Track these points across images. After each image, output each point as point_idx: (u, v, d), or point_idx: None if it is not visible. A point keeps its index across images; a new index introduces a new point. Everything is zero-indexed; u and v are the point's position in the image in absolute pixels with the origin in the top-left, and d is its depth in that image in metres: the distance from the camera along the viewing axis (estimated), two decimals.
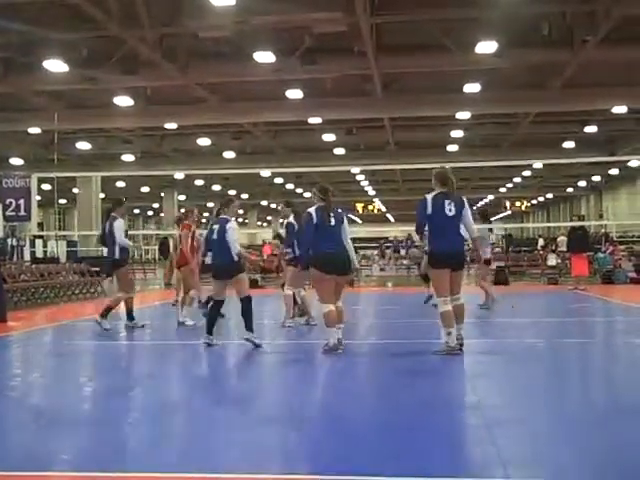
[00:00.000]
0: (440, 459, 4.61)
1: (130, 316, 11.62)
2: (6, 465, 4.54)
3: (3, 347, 10.75)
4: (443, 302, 8.20)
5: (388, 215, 66.39)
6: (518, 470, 4.34)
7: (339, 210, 9.23)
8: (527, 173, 40.43)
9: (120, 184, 43.02)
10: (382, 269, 33.10)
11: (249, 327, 9.19)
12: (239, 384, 7.60)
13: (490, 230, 17.02)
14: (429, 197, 8.53)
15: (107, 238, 11.29)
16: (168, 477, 4.37)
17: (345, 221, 9.04)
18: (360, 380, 7.63)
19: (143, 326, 11.71)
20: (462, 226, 8.53)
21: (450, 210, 8.40)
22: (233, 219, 9.68)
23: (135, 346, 10.78)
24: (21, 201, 15.86)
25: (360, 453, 4.73)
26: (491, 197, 54.31)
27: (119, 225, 11.25)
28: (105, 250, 11.99)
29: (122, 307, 11.91)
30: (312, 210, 8.83)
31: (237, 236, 9.43)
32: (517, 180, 44.08)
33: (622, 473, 4.27)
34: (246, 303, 9.27)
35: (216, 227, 9.50)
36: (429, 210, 8.39)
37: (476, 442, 4.98)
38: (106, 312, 11.19)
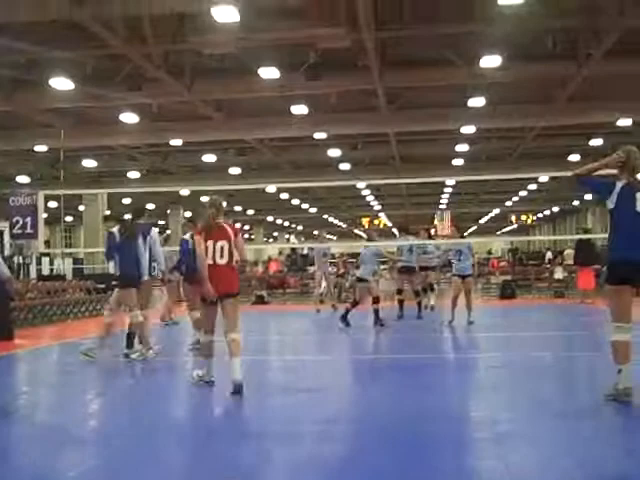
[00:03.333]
0: (447, 473, 4.57)
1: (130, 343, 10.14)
2: None
3: (10, 364, 10.74)
4: (618, 329, 6.34)
5: (394, 230, 66.33)
6: None
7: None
8: (533, 186, 40.34)
9: (126, 201, 43.09)
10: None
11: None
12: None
13: None
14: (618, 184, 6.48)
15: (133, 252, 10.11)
16: None
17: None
18: (367, 394, 7.59)
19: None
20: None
21: None
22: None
23: (139, 363, 10.74)
24: (28, 219, 15.85)
25: (366, 466, 4.69)
26: (497, 211, 54.24)
27: (156, 236, 10.57)
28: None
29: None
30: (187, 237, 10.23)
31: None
32: (523, 194, 44.01)
33: None
34: None
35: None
36: (612, 203, 6.46)
37: (484, 457, 4.94)
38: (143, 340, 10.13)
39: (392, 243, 14.32)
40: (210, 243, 7.43)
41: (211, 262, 7.42)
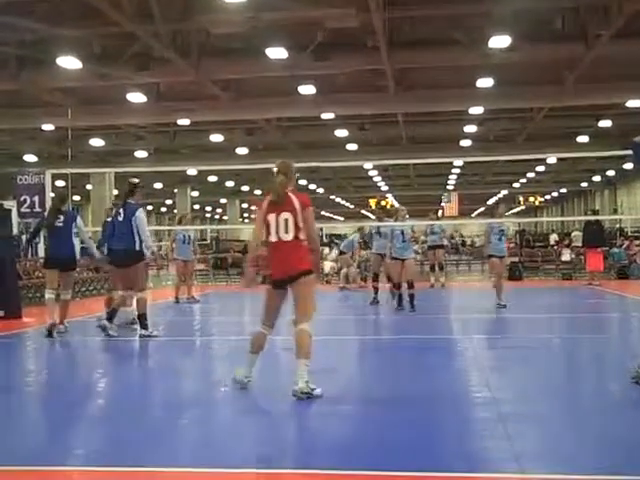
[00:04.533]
0: (453, 453, 4.61)
1: (143, 322, 10.14)
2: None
3: (19, 343, 10.82)
4: None
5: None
6: (532, 464, 4.34)
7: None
8: (541, 168, 40.24)
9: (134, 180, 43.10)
10: None
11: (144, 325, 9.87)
12: None
13: None
14: None
15: (122, 228, 10.07)
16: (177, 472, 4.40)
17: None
18: (372, 374, 7.62)
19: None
20: None
21: None
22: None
23: (143, 341, 10.81)
24: (35, 198, 15.95)
25: (372, 448, 4.73)
26: (505, 192, 54.12)
27: (142, 216, 10.21)
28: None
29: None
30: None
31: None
32: (531, 175, 43.89)
33: (637, 467, 4.25)
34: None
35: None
36: None
37: (490, 437, 4.97)
38: (142, 318, 10.13)
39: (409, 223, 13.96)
40: (272, 216, 6.33)
41: (274, 239, 6.33)
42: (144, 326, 10.05)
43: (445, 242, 19.29)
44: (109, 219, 11.35)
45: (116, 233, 10.13)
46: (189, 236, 16.39)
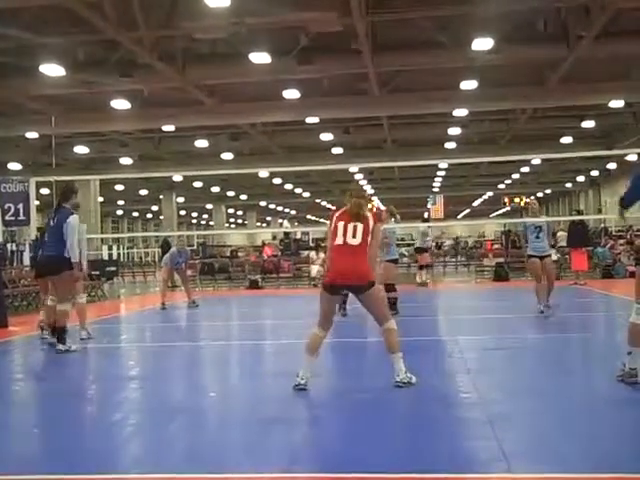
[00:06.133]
0: (442, 455, 4.62)
1: (61, 336, 9.37)
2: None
3: (5, 352, 10.76)
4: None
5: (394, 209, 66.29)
6: (521, 464, 4.36)
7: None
8: (525, 169, 40.42)
9: (119, 187, 43.03)
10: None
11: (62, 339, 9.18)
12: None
13: None
14: None
15: (52, 234, 9.52)
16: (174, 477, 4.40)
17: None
18: (359, 377, 7.63)
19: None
20: None
21: None
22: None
23: (130, 348, 10.79)
24: (20, 205, 15.84)
25: (360, 451, 4.74)
26: (490, 194, 54.30)
27: (75, 222, 9.50)
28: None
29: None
30: None
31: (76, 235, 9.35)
32: (515, 176, 44.08)
33: (624, 464, 4.29)
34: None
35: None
36: None
37: (478, 437, 4.99)
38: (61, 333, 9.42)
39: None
40: (341, 223, 6.46)
41: (340, 242, 6.41)
42: (62, 340, 9.27)
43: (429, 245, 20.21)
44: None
45: (47, 240, 9.56)
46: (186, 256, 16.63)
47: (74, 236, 9.34)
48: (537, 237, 12.04)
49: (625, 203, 6.75)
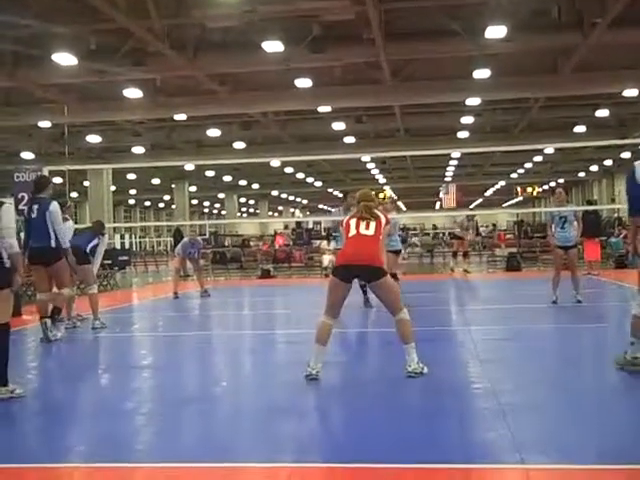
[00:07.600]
0: (454, 445, 4.61)
1: (54, 317, 9.84)
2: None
3: (19, 340, 10.79)
4: None
5: (399, 203, 66.30)
6: (534, 455, 4.34)
7: None
8: (538, 158, 40.23)
9: (131, 176, 43.13)
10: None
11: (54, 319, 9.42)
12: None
13: None
14: None
15: (36, 225, 9.40)
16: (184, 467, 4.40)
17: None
18: (371, 367, 7.63)
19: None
20: None
21: None
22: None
23: (142, 337, 10.82)
24: None
25: (372, 441, 4.73)
26: (502, 183, 54.09)
27: (57, 209, 9.43)
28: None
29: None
30: None
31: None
32: (528, 165, 43.88)
33: (638, 455, 4.26)
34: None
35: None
36: None
37: (491, 428, 4.97)
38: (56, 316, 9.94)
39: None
40: (353, 220, 6.72)
41: (354, 233, 6.64)
42: (54, 321, 9.68)
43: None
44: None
45: (32, 231, 9.39)
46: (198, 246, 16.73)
47: (60, 222, 9.35)
48: (562, 227, 12.03)
49: (634, 210, 6.80)
